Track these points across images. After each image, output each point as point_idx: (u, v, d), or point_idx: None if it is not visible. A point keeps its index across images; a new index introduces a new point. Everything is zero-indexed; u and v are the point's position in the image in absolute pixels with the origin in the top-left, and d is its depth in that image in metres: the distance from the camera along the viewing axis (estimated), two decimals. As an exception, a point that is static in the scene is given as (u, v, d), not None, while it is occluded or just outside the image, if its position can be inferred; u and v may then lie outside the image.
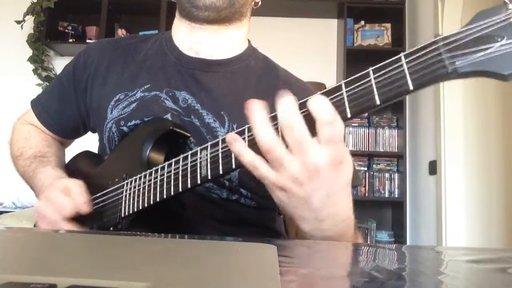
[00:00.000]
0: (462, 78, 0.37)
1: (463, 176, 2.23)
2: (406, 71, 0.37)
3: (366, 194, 2.69)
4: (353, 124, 2.73)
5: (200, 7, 0.67)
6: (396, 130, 2.72)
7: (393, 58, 0.39)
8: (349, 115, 0.40)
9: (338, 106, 0.41)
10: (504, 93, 2.30)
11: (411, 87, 0.37)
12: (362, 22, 2.81)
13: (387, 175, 2.71)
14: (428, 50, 0.37)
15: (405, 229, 2.58)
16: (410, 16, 2.75)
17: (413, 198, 2.67)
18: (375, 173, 2.71)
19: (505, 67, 0.34)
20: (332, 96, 0.42)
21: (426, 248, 0.58)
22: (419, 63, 0.37)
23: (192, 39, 0.72)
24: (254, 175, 0.44)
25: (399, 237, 2.62)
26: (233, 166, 0.47)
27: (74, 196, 0.60)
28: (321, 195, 0.42)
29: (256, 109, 0.43)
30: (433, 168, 2.35)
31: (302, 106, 0.42)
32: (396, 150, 2.71)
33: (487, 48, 0.34)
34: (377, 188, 2.70)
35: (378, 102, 0.39)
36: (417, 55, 0.37)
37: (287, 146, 0.41)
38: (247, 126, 0.46)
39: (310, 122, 0.41)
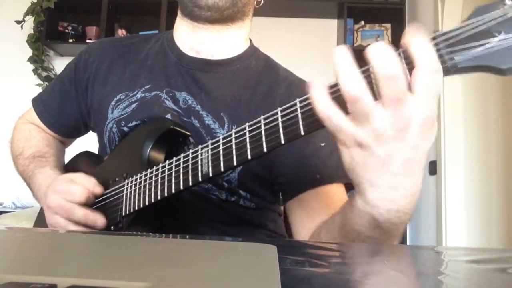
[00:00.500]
0: (461, 73, 0.37)
1: (463, 176, 2.23)
2: (405, 67, 0.37)
3: (366, 194, 2.69)
4: (353, 124, 2.73)
5: (203, 7, 0.66)
6: (396, 130, 2.72)
7: None
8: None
9: (337, 103, 0.41)
10: (504, 93, 2.30)
11: None
12: (362, 22, 2.81)
13: (387, 175, 2.70)
14: None
15: (405, 229, 2.57)
16: (410, 16, 2.75)
17: (413, 198, 2.67)
18: (375, 173, 2.71)
19: (503, 61, 0.34)
20: (335, 89, 0.40)
21: (426, 248, 0.58)
22: None
23: (194, 38, 0.72)
24: (326, 126, 0.39)
25: (399, 237, 2.62)
26: (234, 163, 0.47)
27: (82, 181, 0.61)
28: (402, 158, 0.38)
29: (341, 53, 0.37)
30: (433, 168, 2.35)
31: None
32: (396, 150, 2.70)
33: (485, 43, 0.35)
34: (377, 188, 2.70)
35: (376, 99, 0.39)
36: None
37: (375, 99, 0.37)
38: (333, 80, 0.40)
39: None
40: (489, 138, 2.31)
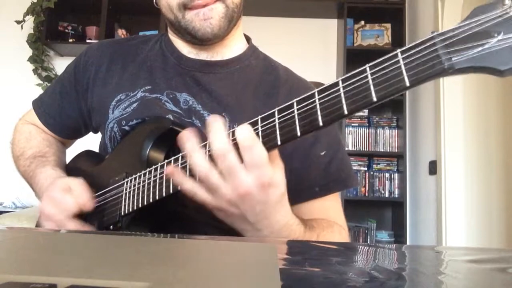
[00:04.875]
0: (459, 74, 0.37)
1: (463, 176, 2.23)
2: (403, 67, 0.37)
3: (366, 194, 2.69)
4: (353, 124, 2.73)
5: (204, 40, 0.68)
6: (396, 130, 2.72)
7: (390, 55, 0.38)
8: (345, 112, 0.40)
9: (335, 103, 0.41)
10: (504, 93, 2.30)
11: (408, 84, 0.37)
12: (362, 22, 2.81)
13: (387, 175, 2.71)
14: (424, 46, 0.37)
15: (405, 229, 2.58)
16: (410, 16, 2.75)
17: (413, 198, 2.67)
18: (375, 173, 2.71)
19: (501, 62, 0.34)
20: (328, 92, 0.42)
21: (426, 248, 0.58)
22: (416, 59, 0.37)
23: (192, 45, 0.73)
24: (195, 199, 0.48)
25: (399, 237, 2.62)
26: None
27: (77, 194, 0.61)
28: (254, 211, 0.47)
29: (188, 139, 0.47)
30: (433, 168, 2.35)
31: (232, 134, 0.45)
32: (396, 150, 2.71)
33: (483, 44, 0.34)
34: (377, 188, 2.70)
35: (374, 99, 0.38)
36: (414, 51, 0.37)
37: (220, 173, 0.45)
38: (181, 154, 0.51)
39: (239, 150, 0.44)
40: (489, 138, 2.30)
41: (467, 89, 2.28)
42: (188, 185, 0.48)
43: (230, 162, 0.44)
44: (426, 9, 2.56)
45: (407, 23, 2.70)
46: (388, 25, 2.79)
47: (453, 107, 2.24)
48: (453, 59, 0.35)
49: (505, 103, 2.29)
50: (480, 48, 0.34)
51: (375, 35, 2.79)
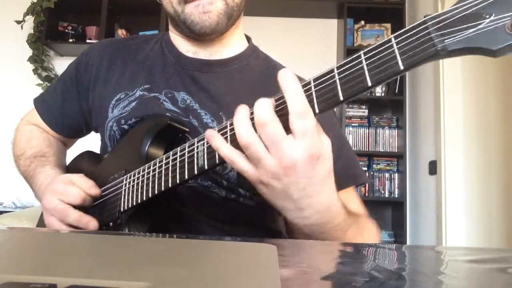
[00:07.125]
0: (452, 56, 0.37)
1: (463, 176, 2.22)
2: (396, 51, 0.38)
3: (366, 194, 2.69)
4: (353, 124, 2.73)
5: (201, 34, 0.68)
6: (396, 130, 2.72)
7: (384, 40, 0.39)
8: (341, 98, 0.41)
9: (331, 89, 0.41)
10: (504, 93, 2.30)
11: (402, 67, 0.37)
12: (362, 22, 2.81)
13: (387, 175, 2.71)
14: (417, 30, 0.37)
15: (405, 229, 2.58)
16: (410, 16, 2.75)
17: (413, 198, 2.67)
18: (375, 173, 2.71)
19: (493, 42, 0.34)
20: (323, 79, 0.42)
21: (426, 248, 0.58)
22: (409, 43, 0.37)
23: (190, 43, 0.73)
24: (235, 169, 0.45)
25: (399, 237, 2.62)
26: None
27: (79, 183, 0.61)
28: (298, 187, 0.44)
29: (240, 108, 0.44)
30: (433, 168, 2.35)
31: (279, 100, 0.43)
32: (396, 150, 2.71)
33: (476, 25, 0.34)
34: (377, 188, 2.70)
35: (369, 84, 0.39)
36: (407, 35, 0.38)
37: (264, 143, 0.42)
38: (228, 121, 0.47)
39: (286, 119, 0.41)
40: (489, 138, 2.30)
41: (467, 89, 2.28)
42: (227, 151, 0.45)
43: (273, 131, 0.41)
44: (426, 9, 2.56)
45: (407, 23, 2.70)
46: (388, 25, 2.79)
47: (453, 107, 2.24)
48: (445, 41, 0.36)
49: (506, 103, 2.29)
50: (472, 29, 0.35)
51: (375, 35, 2.79)
